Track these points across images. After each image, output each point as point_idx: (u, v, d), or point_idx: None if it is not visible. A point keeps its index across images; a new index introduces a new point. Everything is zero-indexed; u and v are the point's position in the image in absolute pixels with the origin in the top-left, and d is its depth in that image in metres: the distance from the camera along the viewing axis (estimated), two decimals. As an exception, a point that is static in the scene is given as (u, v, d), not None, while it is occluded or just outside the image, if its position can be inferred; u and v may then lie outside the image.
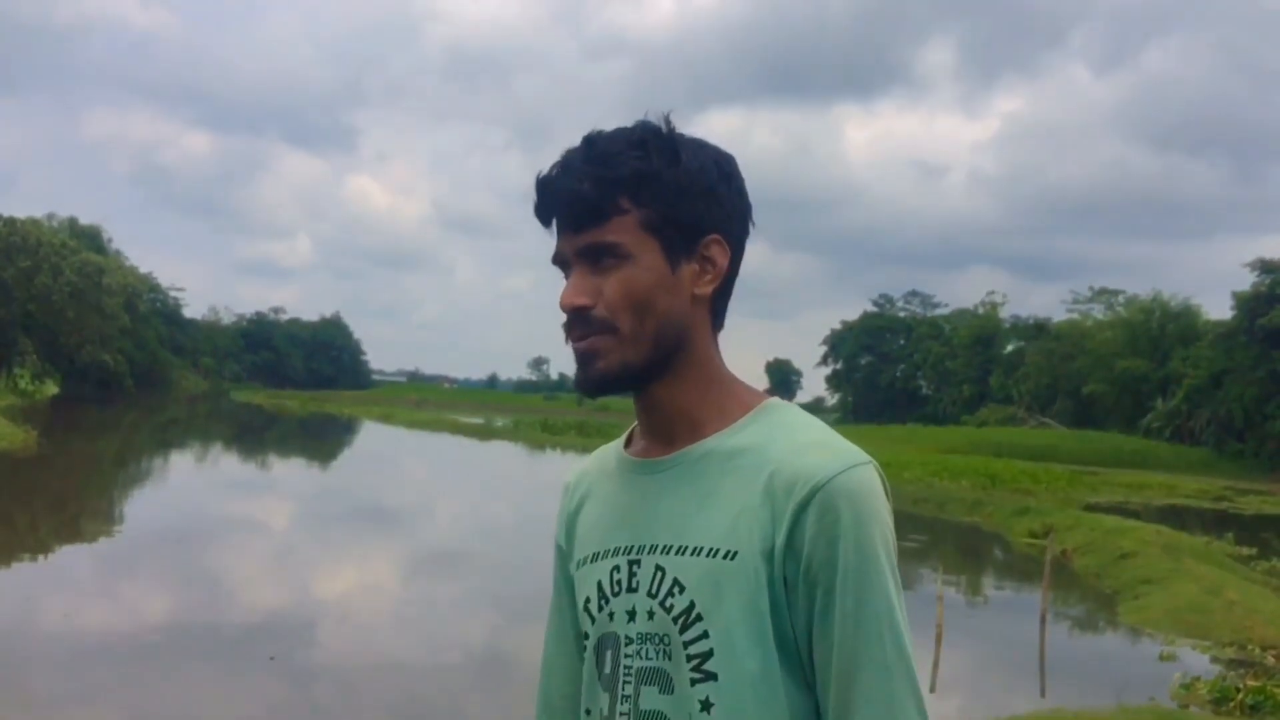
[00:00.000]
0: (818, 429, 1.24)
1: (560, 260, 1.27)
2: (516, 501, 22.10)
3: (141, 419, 44.04)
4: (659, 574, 1.22)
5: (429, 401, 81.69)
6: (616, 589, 1.26)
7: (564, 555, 1.41)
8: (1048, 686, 8.16)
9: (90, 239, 70.76)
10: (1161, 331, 53.24)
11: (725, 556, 1.18)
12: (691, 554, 1.21)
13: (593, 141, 1.24)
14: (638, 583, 1.24)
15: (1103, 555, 14.99)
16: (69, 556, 12.19)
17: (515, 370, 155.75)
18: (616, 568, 1.27)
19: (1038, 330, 64.52)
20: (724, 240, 1.26)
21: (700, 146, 1.27)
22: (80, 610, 9.65)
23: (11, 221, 52.93)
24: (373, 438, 42.21)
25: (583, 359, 1.24)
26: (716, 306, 1.28)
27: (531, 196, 1.27)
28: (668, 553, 1.23)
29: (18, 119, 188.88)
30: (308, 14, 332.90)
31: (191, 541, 13.67)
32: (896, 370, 77.18)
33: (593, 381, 1.24)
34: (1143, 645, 10.66)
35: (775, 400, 1.29)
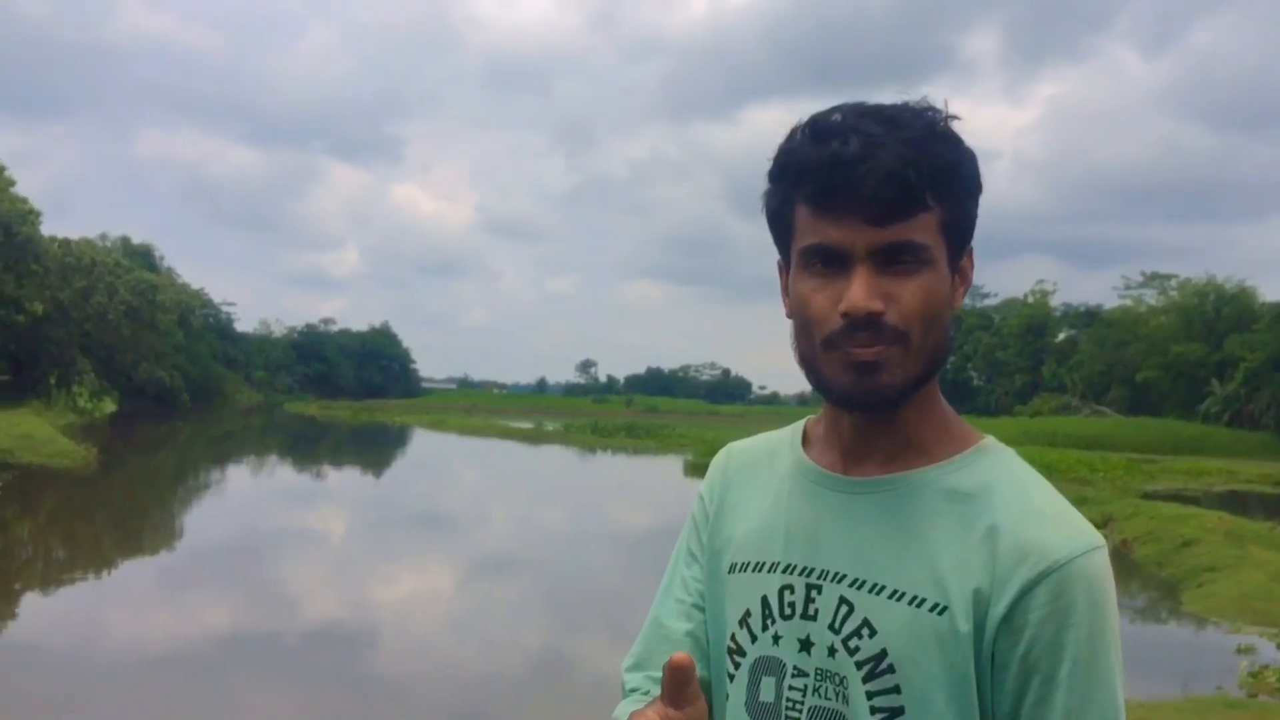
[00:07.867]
0: (1050, 492, 1.11)
1: (829, 253, 1.07)
2: (571, 505, 22.16)
3: (198, 433, 44.64)
4: (844, 608, 1.09)
5: (479, 407, 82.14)
6: (788, 611, 1.13)
7: (698, 527, 1.28)
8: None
9: (142, 257, 71.85)
10: (1216, 315, 52.41)
11: (933, 609, 1.05)
12: (890, 596, 1.07)
13: (894, 119, 1.06)
14: (816, 610, 1.11)
15: (1163, 544, 14.74)
16: (131, 571, 12.40)
17: (563, 374, 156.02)
18: (789, 587, 1.14)
19: (1090, 317, 63.75)
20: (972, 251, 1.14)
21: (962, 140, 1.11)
22: (143, 623, 9.82)
23: (66, 243, 53.85)
24: (425, 445, 42.49)
25: (863, 368, 1.06)
26: None
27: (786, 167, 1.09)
28: (858, 587, 1.09)
29: (70, 141, 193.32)
30: (348, 26, 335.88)
31: (250, 553, 13.86)
32: (946, 362, 76.43)
33: (876, 395, 1.07)
34: (1208, 634, 10.48)
35: (993, 441, 1.16)
